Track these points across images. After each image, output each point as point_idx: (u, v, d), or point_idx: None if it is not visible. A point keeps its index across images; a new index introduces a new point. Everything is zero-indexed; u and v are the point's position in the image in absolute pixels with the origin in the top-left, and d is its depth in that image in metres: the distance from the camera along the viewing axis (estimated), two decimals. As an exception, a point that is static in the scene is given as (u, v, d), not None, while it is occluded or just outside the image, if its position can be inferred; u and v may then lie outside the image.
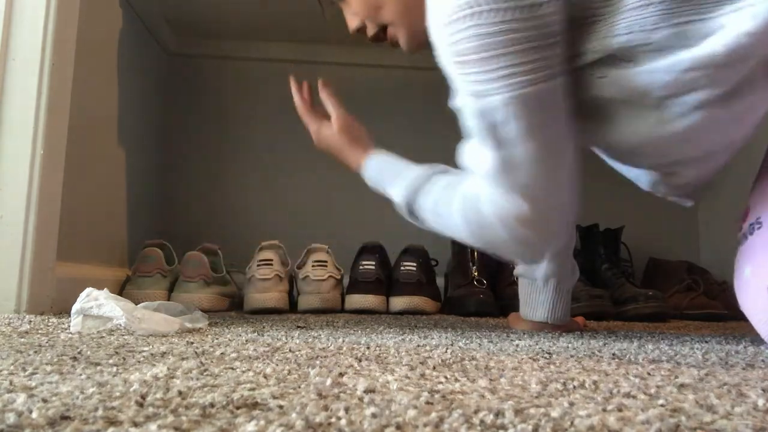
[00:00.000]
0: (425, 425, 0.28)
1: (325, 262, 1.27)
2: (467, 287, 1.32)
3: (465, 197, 0.70)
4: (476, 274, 1.35)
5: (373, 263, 1.31)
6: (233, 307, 1.29)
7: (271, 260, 1.22)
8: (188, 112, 1.73)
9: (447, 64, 0.62)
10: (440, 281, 1.46)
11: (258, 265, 1.21)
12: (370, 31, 0.82)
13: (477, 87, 0.59)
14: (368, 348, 0.58)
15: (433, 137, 1.81)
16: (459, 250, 1.45)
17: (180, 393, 0.33)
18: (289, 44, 1.75)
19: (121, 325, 0.67)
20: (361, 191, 1.85)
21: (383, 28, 0.81)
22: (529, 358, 0.53)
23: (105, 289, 0.72)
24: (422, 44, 0.76)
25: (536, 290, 0.88)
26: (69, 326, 0.68)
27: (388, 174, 0.82)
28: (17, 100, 0.90)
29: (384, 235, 1.50)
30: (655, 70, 0.58)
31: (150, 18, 1.49)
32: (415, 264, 1.32)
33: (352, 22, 0.84)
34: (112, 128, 1.29)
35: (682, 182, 0.72)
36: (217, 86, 1.75)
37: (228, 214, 1.70)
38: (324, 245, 1.32)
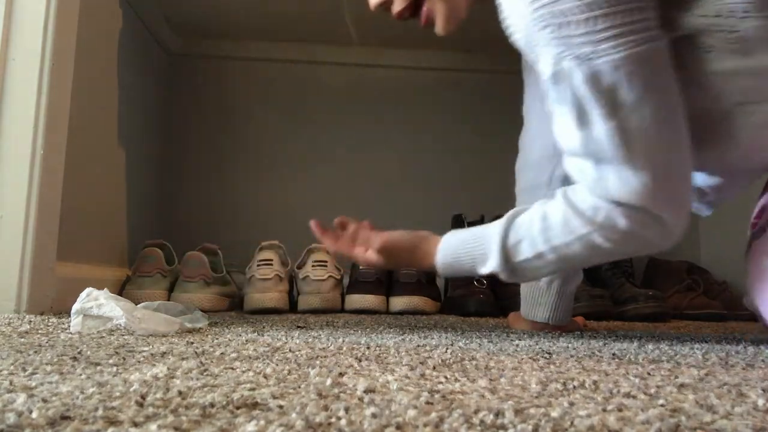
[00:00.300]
0: (425, 425, 0.28)
1: (325, 262, 1.27)
2: (467, 287, 1.31)
3: (575, 206, 0.63)
4: (476, 274, 1.35)
5: (373, 263, 1.31)
6: (233, 307, 1.29)
7: (271, 260, 1.22)
8: (188, 112, 1.73)
9: (534, 31, 0.57)
10: (440, 281, 1.46)
11: (258, 265, 1.21)
12: (399, 4, 0.73)
13: (582, 50, 0.55)
14: (368, 348, 0.58)
15: (434, 137, 1.82)
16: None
17: (180, 393, 0.33)
18: (289, 44, 1.75)
19: (121, 325, 0.67)
20: (361, 191, 1.86)
21: (416, 2, 0.73)
22: (529, 358, 0.53)
23: (105, 289, 0.72)
24: (459, 21, 0.72)
25: (539, 290, 0.88)
26: (69, 326, 0.68)
27: (467, 256, 0.72)
28: (17, 100, 0.90)
29: (384, 235, 1.50)
30: (738, 71, 0.57)
31: (150, 18, 1.49)
32: (415, 264, 1.32)
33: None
34: (112, 128, 1.28)
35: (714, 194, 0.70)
36: (218, 86, 1.75)
37: (228, 214, 1.70)
38: (324, 245, 1.32)
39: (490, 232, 0.69)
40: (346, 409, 0.30)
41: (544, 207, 0.66)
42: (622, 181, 0.59)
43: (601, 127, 0.58)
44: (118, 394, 0.33)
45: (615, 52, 0.55)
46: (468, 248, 0.72)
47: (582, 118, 0.59)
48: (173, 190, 1.69)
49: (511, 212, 0.70)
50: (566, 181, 0.88)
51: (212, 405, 0.31)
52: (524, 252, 0.66)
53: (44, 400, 0.31)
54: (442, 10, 0.71)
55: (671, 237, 0.63)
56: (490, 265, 0.69)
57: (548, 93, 0.61)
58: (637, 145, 0.58)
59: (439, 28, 0.73)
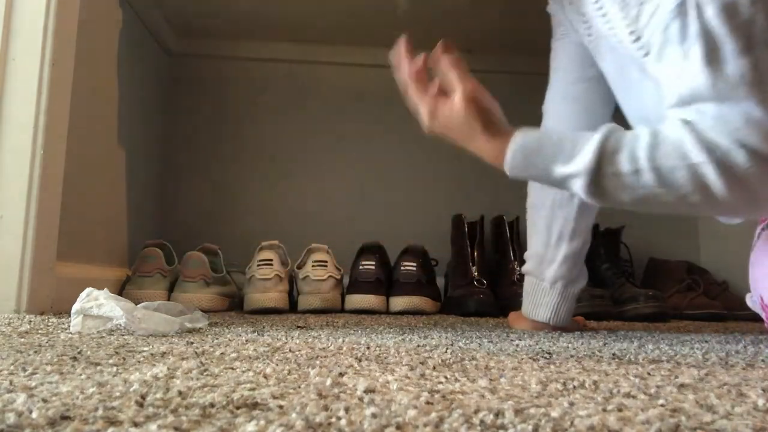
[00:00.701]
0: (425, 425, 0.28)
1: (325, 262, 1.27)
2: (467, 287, 1.32)
3: (697, 132, 0.55)
4: (476, 274, 1.35)
5: (373, 263, 1.31)
6: (233, 307, 1.29)
7: (271, 260, 1.22)
8: (188, 111, 1.73)
9: None
10: (440, 281, 1.47)
11: (258, 265, 1.21)
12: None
13: None
14: (368, 348, 0.58)
15: (434, 137, 1.82)
16: (458, 250, 1.45)
17: (180, 393, 0.33)
18: (289, 44, 1.75)
19: (121, 325, 0.67)
20: (361, 191, 1.86)
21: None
22: (529, 358, 0.53)
23: (105, 289, 0.72)
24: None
25: (542, 291, 0.87)
26: (69, 326, 0.68)
27: (552, 147, 0.63)
28: (17, 100, 0.90)
29: (384, 235, 1.50)
30: None
31: (150, 18, 1.49)
32: (415, 264, 1.32)
33: None
34: (112, 128, 1.29)
35: None
36: (218, 86, 1.75)
37: (228, 214, 1.70)
38: (324, 245, 1.32)
39: (586, 134, 0.61)
40: (346, 409, 0.30)
41: (656, 127, 0.59)
42: (751, 123, 0.53)
43: (734, 64, 0.53)
44: (118, 394, 0.33)
45: None
46: (556, 140, 0.63)
47: (711, 54, 0.54)
48: (173, 190, 1.69)
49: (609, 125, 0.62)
50: None
51: (212, 405, 0.31)
52: (621, 163, 0.58)
53: (44, 400, 0.31)
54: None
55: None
56: (576, 164, 0.59)
57: (663, 31, 0.56)
58: None
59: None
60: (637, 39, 0.62)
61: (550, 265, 0.88)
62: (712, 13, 0.53)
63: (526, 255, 0.93)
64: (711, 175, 0.55)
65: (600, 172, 0.59)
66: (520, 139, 0.64)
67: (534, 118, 0.88)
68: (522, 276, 0.94)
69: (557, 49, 0.90)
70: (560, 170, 0.61)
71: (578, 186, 0.60)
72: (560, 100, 0.89)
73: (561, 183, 0.62)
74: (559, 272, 0.87)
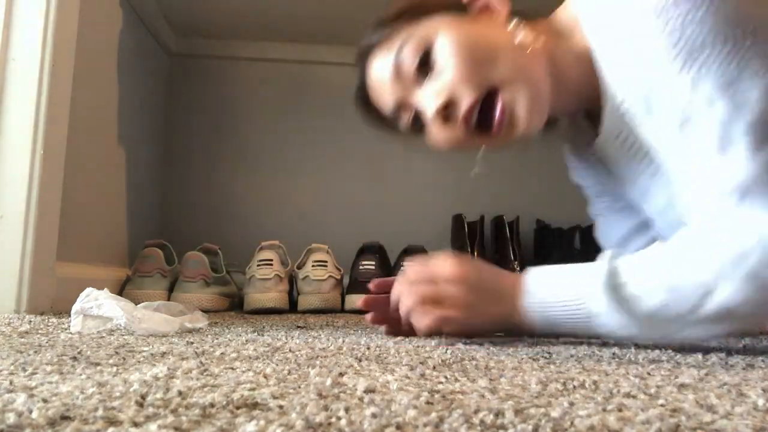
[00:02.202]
0: (425, 425, 0.28)
1: (325, 262, 1.27)
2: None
3: (719, 239, 0.52)
4: (476, 274, 1.35)
5: (373, 263, 1.31)
6: (233, 307, 1.29)
7: (271, 260, 1.22)
8: (188, 111, 1.73)
9: (671, 68, 0.53)
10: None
11: (258, 265, 1.21)
12: (468, 100, 0.61)
13: (728, 68, 0.51)
14: (368, 348, 0.58)
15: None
16: (458, 250, 1.45)
17: (180, 393, 0.33)
18: (289, 44, 1.75)
19: (121, 325, 0.67)
20: (361, 191, 1.86)
21: (487, 98, 0.62)
22: (529, 358, 0.53)
23: (105, 289, 0.72)
24: (543, 114, 0.63)
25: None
26: (69, 326, 0.68)
27: (559, 278, 0.61)
28: (17, 100, 0.90)
29: (384, 235, 1.50)
30: None
31: (150, 18, 1.49)
32: (415, 264, 1.32)
33: (436, 99, 0.62)
34: (112, 128, 1.29)
35: None
36: (218, 86, 1.75)
37: (228, 214, 1.70)
38: (324, 245, 1.32)
39: (592, 264, 0.59)
40: (346, 409, 0.30)
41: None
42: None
43: (749, 155, 0.51)
44: (118, 394, 0.33)
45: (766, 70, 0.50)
46: (560, 281, 0.61)
47: (726, 142, 0.52)
48: (173, 190, 1.69)
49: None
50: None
51: (212, 405, 0.31)
52: (636, 281, 0.56)
53: (44, 400, 0.31)
54: (524, 95, 0.61)
55: None
56: (595, 292, 0.56)
57: (680, 122, 0.54)
58: None
59: (524, 120, 0.61)
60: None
61: None
62: (721, 111, 0.52)
63: None
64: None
65: (617, 287, 0.56)
66: (532, 274, 0.62)
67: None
68: None
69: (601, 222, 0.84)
70: (575, 290, 0.58)
71: (603, 313, 0.57)
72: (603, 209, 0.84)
73: (594, 311, 0.57)
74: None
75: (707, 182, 0.54)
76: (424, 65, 0.63)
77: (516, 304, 0.61)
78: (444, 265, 0.64)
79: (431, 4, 0.66)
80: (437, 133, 0.65)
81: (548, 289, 0.60)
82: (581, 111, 0.75)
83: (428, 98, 0.63)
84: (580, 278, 0.59)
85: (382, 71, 0.67)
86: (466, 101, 0.62)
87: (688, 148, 0.55)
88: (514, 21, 0.64)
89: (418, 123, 0.67)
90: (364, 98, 0.73)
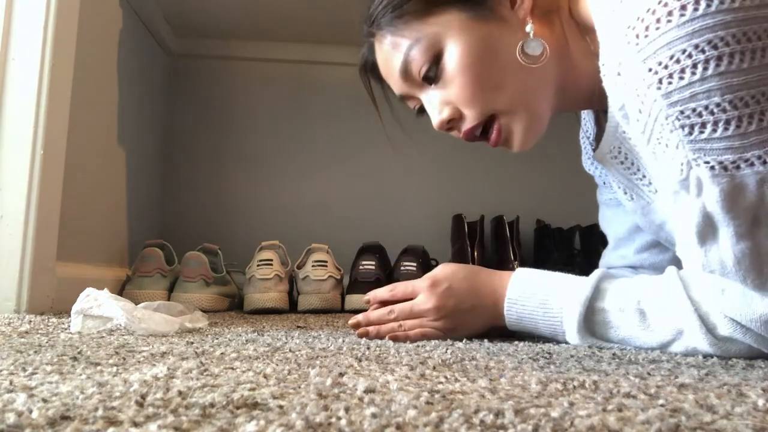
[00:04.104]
0: (425, 425, 0.28)
1: (325, 262, 1.27)
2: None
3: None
4: (476, 274, 1.35)
5: (373, 263, 1.31)
6: (233, 307, 1.29)
7: (271, 260, 1.22)
8: (188, 111, 1.74)
9: (665, 127, 0.49)
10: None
11: (258, 265, 1.21)
12: (470, 123, 0.64)
13: (723, 157, 0.47)
14: (368, 348, 0.58)
15: (434, 137, 1.82)
16: (458, 250, 1.45)
17: (180, 393, 0.33)
18: (289, 44, 1.75)
19: (121, 325, 0.67)
20: (361, 191, 1.86)
21: (488, 120, 0.64)
22: (529, 358, 0.53)
23: (105, 289, 0.72)
24: (538, 136, 0.65)
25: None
26: (69, 326, 0.68)
27: (541, 287, 0.64)
28: (17, 100, 0.90)
29: (384, 235, 1.50)
30: None
31: (150, 18, 1.49)
32: (415, 264, 1.32)
33: (442, 111, 0.65)
34: (112, 128, 1.29)
35: None
36: (218, 86, 1.75)
37: (228, 214, 1.70)
38: (324, 245, 1.32)
39: (577, 279, 0.63)
40: (346, 409, 0.30)
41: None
42: (745, 303, 0.52)
43: (729, 248, 0.50)
44: (118, 394, 0.33)
45: (763, 161, 0.46)
46: (540, 289, 0.65)
47: (707, 234, 0.51)
48: (173, 190, 1.69)
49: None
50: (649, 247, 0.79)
51: (212, 405, 0.31)
52: (610, 310, 0.60)
53: (44, 400, 0.31)
54: (521, 123, 0.63)
55: None
56: (570, 313, 0.61)
57: (672, 191, 0.54)
58: None
59: (517, 144, 0.64)
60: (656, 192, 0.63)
61: None
62: (713, 196, 0.48)
63: None
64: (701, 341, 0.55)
65: (591, 314, 0.61)
66: (517, 274, 0.66)
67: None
68: None
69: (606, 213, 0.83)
70: (553, 304, 0.63)
71: (574, 333, 0.62)
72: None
73: (564, 329, 0.63)
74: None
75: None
76: (432, 69, 0.64)
77: (498, 309, 0.66)
78: (421, 300, 0.68)
79: None
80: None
81: (528, 292, 0.64)
82: (596, 110, 0.74)
83: (434, 107, 0.66)
84: (559, 295, 0.63)
85: (390, 64, 0.67)
86: (468, 123, 0.64)
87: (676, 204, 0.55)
88: (530, 24, 0.62)
89: (424, 112, 0.70)
90: (370, 71, 0.76)
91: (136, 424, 0.27)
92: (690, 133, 0.47)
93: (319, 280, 1.23)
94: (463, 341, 0.66)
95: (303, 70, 1.77)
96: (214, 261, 1.27)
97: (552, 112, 0.65)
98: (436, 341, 0.66)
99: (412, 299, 0.70)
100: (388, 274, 1.34)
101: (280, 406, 0.31)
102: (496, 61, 0.62)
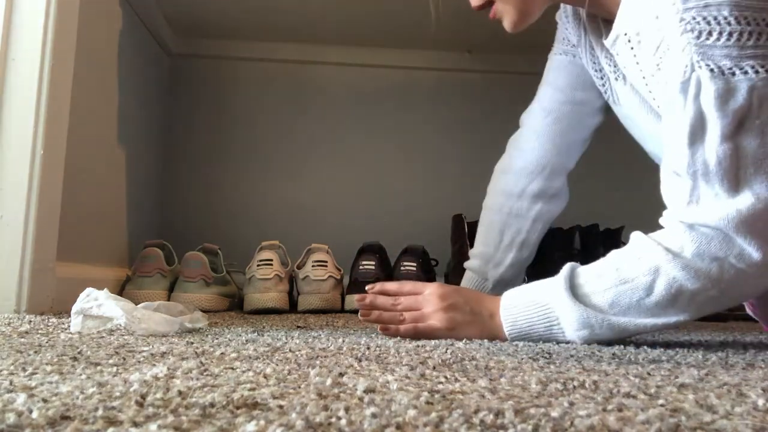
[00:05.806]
0: (425, 425, 0.28)
1: (325, 262, 1.27)
2: (467, 287, 1.32)
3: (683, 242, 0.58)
4: (476, 274, 1.35)
5: (373, 263, 1.31)
6: (233, 307, 1.29)
7: (271, 260, 1.22)
8: (188, 112, 1.74)
9: (675, 31, 0.56)
10: (440, 281, 1.47)
11: (258, 265, 1.21)
12: (477, 2, 0.76)
13: (722, 63, 0.54)
14: (368, 348, 0.58)
15: (434, 137, 1.82)
16: (458, 250, 1.45)
17: (180, 393, 0.33)
18: (289, 44, 1.75)
19: (121, 325, 0.67)
20: (361, 191, 1.86)
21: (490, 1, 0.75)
22: (529, 358, 0.53)
23: (105, 289, 0.72)
24: (526, 24, 0.74)
25: (484, 290, 0.92)
26: (69, 326, 0.68)
27: (528, 291, 0.68)
28: (17, 100, 0.90)
29: (384, 235, 1.50)
30: None
31: (150, 18, 1.49)
32: (415, 264, 1.32)
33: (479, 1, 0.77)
34: (112, 128, 1.29)
35: None
36: (218, 86, 1.75)
37: (228, 214, 1.70)
38: (324, 245, 1.32)
39: (553, 280, 0.66)
40: (346, 409, 0.30)
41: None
42: (718, 204, 0.56)
43: (714, 148, 0.56)
44: (118, 394, 0.33)
45: (756, 71, 0.53)
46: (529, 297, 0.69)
47: (697, 133, 0.57)
48: (173, 189, 1.69)
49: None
50: (537, 197, 0.93)
51: (212, 405, 0.31)
52: (598, 294, 0.63)
53: (44, 400, 0.31)
54: (510, 12, 0.73)
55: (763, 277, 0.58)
56: (570, 316, 0.63)
57: (670, 99, 0.59)
58: (749, 170, 0.55)
59: (507, 28, 0.75)
60: (654, 99, 0.68)
61: (496, 267, 0.93)
62: (709, 96, 0.55)
63: (472, 252, 0.98)
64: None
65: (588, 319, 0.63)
66: (506, 297, 0.69)
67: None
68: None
69: (556, 64, 0.91)
70: (549, 300, 0.66)
71: (573, 330, 0.64)
72: (543, 116, 0.92)
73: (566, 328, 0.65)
74: (503, 275, 0.92)
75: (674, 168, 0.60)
76: None
77: (495, 320, 0.69)
78: (428, 291, 0.72)
79: None
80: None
81: (519, 300, 0.68)
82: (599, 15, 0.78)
83: None
84: (544, 288, 0.66)
85: None
86: (474, 2, 0.76)
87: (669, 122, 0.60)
88: None
89: None
90: None
91: (136, 424, 0.27)
92: (698, 37, 0.54)
93: (319, 280, 1.23)
94: (463, 341, 0.66)
95: (303, 70, 1.77)
96: (214, 261, 1.27)
97: (547, 4, 0.74)
98: (437, 341, 0.66)
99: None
100: (388, 274, 1.34)
101: (280, 406, 0.31)
102: None
